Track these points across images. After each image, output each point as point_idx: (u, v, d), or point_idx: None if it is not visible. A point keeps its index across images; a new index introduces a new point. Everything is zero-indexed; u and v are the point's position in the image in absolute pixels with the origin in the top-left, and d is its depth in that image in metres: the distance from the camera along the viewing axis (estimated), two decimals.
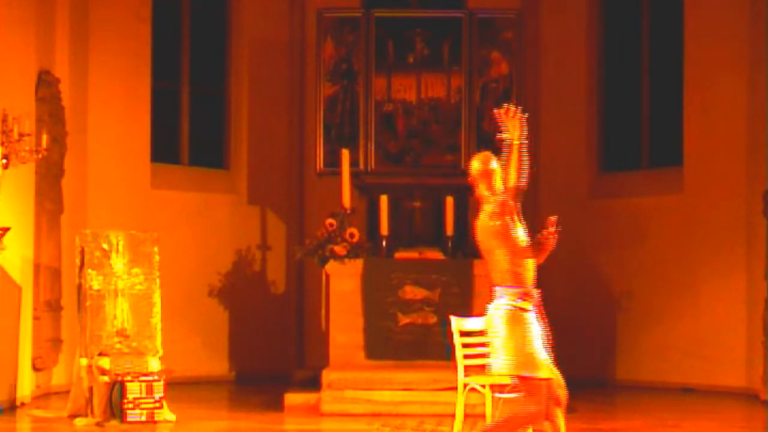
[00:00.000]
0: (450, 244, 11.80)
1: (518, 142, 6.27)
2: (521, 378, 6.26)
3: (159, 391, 9.89)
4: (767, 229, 11.68)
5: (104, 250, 10.28)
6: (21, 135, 10.34)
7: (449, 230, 11.80)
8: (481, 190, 6.40)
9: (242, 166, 14.30)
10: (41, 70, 11.73)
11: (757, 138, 12.16)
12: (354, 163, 12.19)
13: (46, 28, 11.87)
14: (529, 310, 6.28)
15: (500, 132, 6.32)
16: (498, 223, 6.25)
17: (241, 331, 13.86)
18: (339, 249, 11.49)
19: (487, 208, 6.32)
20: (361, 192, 12.57)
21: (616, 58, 14.15)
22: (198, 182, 13.99)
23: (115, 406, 9.79)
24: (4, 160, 10.27)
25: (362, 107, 12.51)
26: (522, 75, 12.78)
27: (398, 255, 11.80)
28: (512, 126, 6.27)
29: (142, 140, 13.42)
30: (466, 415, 8.22)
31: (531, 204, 7.11)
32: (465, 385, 7.93)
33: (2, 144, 10.27)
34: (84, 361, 10.03)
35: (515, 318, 6.24)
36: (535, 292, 6.35)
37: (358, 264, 11.47)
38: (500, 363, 6.28)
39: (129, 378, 9.81)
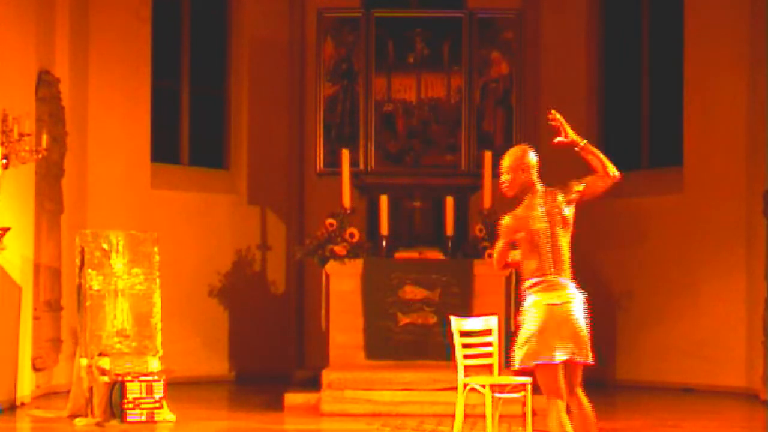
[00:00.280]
0: (450, 244, 11.79)
1: (585, 141, 6.35)
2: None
3: (159, 391, 9.89)
4: (767, 229, 11.68)
5: (104, 250, 10.28)
6: (21, 135, 10.34)
7: (449, 230, 11.80)
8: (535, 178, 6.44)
9: (242, 166, 14.30)
10: (41, 70, 11.73)
11: (757, 138, 12.16)
12: (354, 163, 12.19)
13: (46, 28, 11.87)
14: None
15: (557, 136, 6.40)
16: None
17: (241, 331, 13.87)
18: (339, 249, 11.49)
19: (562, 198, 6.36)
20: (361, 192, 12.56)
21: (616, 58, 14.15)
22: (198, 182, 13.99)
23: (115, 406, 9.79)
24: (4, 160, 10.27)
25: (362, 107, 12.51)
26: (522, 75, 12.77)
27: (398, 255, 11.80)
28: (569, 129, 6.38)
29: (142, 140, 13.42)
30: (466, 415, 8.22)
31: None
32: (465, 385, 7.93)
33: (2, 144, 10.27)
34: (84, 361, 10.03)
35: None
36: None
37: (358, 264, 11.48)
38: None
39: (129, 378, 9.81)
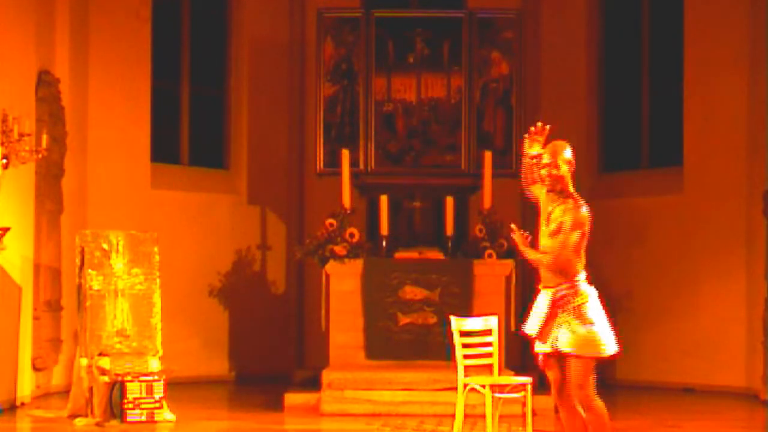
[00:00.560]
0: (450, 244, 11.79)
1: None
2: None
3: (159, 391, 9.89)
4: (767, 229, 11.68)
5: (104, 250, 10.28)
6: (21, 135, 10.34)
7: (449, 230, 11.80)
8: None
9: (242, 166, 14.30)
10: (41, 70, 11.73)
11: (757, 138, 12.16)
12: (354, 163, 12.18)
13: (46, 28, 11.87)
14: None
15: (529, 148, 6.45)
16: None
17: (241, 331, 13.86)
18: (339, 249, 11.49)
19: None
20: (361, 192, 12.56)
21: (616, 58, 14.15)
22: (198, 182, 13.99)
23: (115, 406, 9.79)
24: (4, 160, 10.27)
25: (362, 107, 12.51)
26: (522, 75, 12.76)
27: (398, 255, 11.80)
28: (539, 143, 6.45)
29: (142, 140, 13.41)
30: (466, 415, 8.23)
31: (531, 204, 7.13)
32: (465, 385, 7.93)
33: (2, 144, 10.27)
34: (84, 361, 10.03)
35: None
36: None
37: (358, 264, 11.48)
38: None
39: (129, 378, 9.81)
